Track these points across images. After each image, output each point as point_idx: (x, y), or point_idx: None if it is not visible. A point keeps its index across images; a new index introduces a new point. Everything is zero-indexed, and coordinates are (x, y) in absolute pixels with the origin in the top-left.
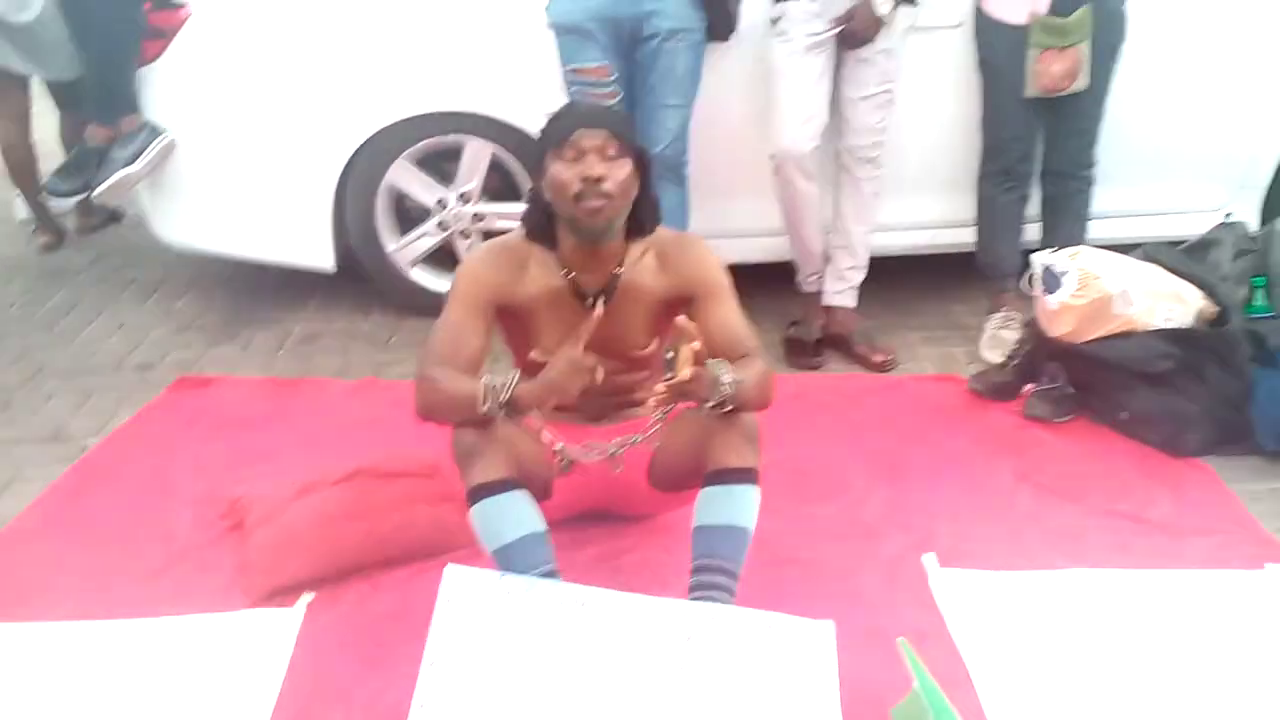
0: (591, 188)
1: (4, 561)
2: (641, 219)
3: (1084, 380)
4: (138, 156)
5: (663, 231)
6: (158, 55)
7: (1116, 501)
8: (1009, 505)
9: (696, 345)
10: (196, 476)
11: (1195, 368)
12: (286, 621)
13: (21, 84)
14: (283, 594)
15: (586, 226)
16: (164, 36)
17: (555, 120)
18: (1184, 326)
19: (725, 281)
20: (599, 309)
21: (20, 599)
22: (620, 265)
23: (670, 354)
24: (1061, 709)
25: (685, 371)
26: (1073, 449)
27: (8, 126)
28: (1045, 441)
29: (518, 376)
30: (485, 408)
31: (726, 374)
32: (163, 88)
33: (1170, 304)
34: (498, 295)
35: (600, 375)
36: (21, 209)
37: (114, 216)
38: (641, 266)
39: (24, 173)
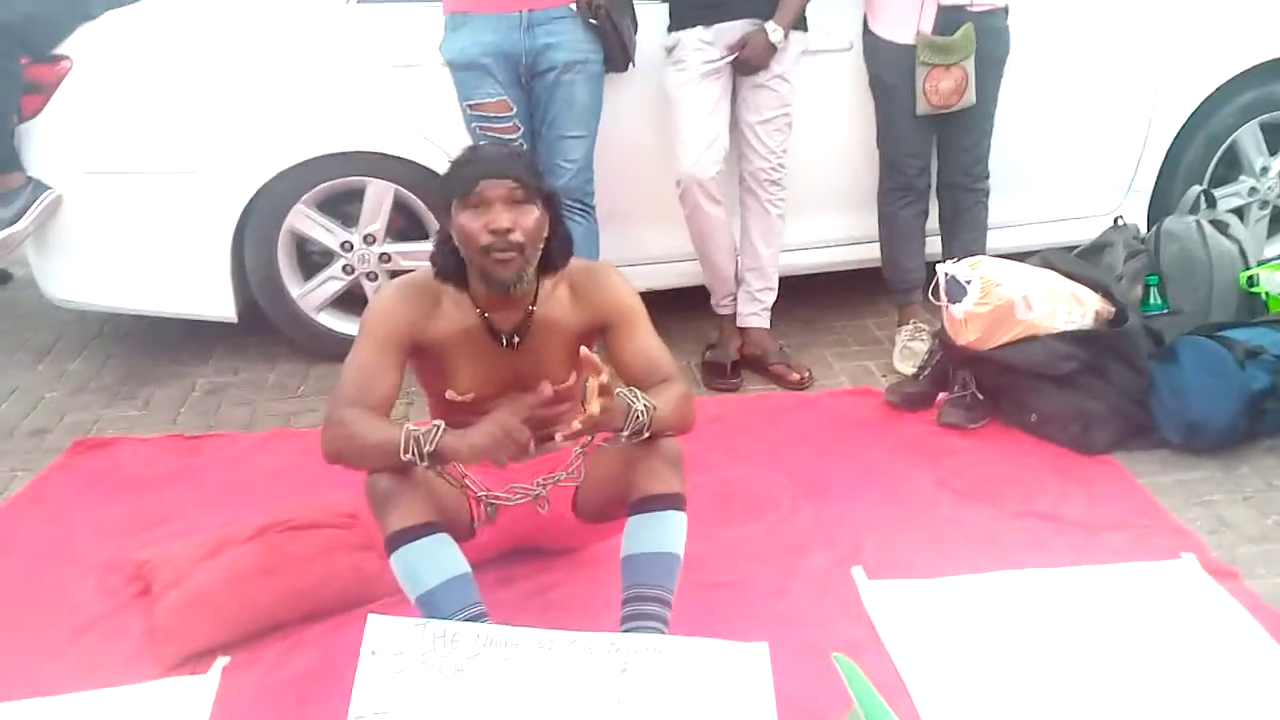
0: (501, 239)
1: None
2: (554, 256)
3: (994, 385)
4: (22, 214)
5: (574, 262)
6: (38, 110)
7: (1031, 502)
8: (930, 513)
9: (603, 378)
10: (99, 542)
11: (1098, 367)
12: (201, 689)
13: None
14: (196, 660)
15: (498, 278)
16: (43, 91)
17: (458, 168)
18: (1085, 328)
19: (639, 308)
20: (546, 387)
21: None
22: (534, 303)
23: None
24: (998, 711)
25: (594, 405)
26: (987, 453)
27: None
28: (960, 448)
29: (443, 428)
30: (407, 457)
31: (638, 400)
32: (45, 143)
33: (1070, 306)
34: (410, 334)
35: (532, 452)
36: None
37: (2, 279)
38: (555, 300)
39: None
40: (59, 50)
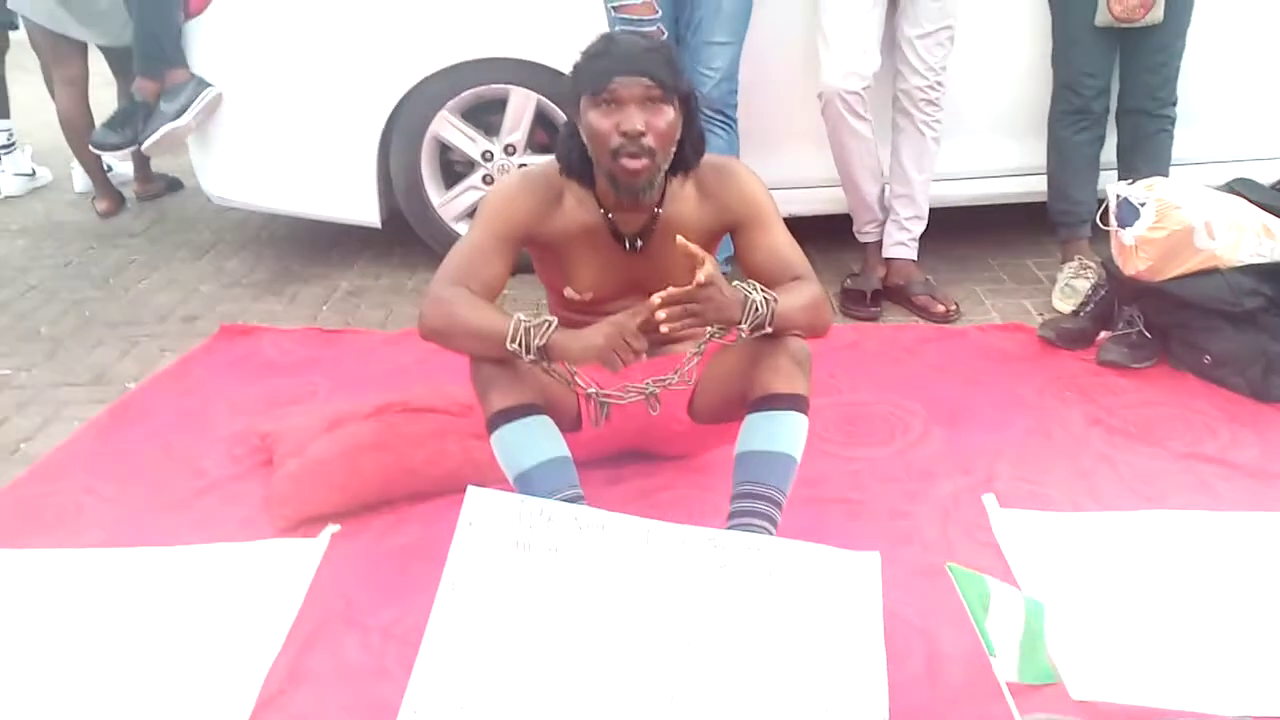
0: (632, 142)
1: (35, 492)
2: (686, 156)
3: (1164, 323)
4: (184, 110)
5: (703, 159)
6: (203, 8)
7: (1198, 445)
8: (1079, 448)
9: (707, 267)
10: (231, 417)
11: None
12: (309, 551)
13: (79, 51)
14: (308, 524)
15: (626, 185)
16: None
17: (590, 60)
18: (1274, 261)
19: (770, 205)
20: (659, 306)
21: (48, 527)
22: (660, 204)
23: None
24: (1138, 657)
25: (700, 274)
26: (1151, 394)
27: (66, 93)
28: (1120, 387)
29: (555, 324)
30: (513, 347)
31: (756, 292)
32: (208, 40)
33: (1259, 238)
34: (528, 224)
35: (645, 358)
36: (79, 180)
37: (173, 185)
38: (682, 199)
39: (83, 141)
40: None
